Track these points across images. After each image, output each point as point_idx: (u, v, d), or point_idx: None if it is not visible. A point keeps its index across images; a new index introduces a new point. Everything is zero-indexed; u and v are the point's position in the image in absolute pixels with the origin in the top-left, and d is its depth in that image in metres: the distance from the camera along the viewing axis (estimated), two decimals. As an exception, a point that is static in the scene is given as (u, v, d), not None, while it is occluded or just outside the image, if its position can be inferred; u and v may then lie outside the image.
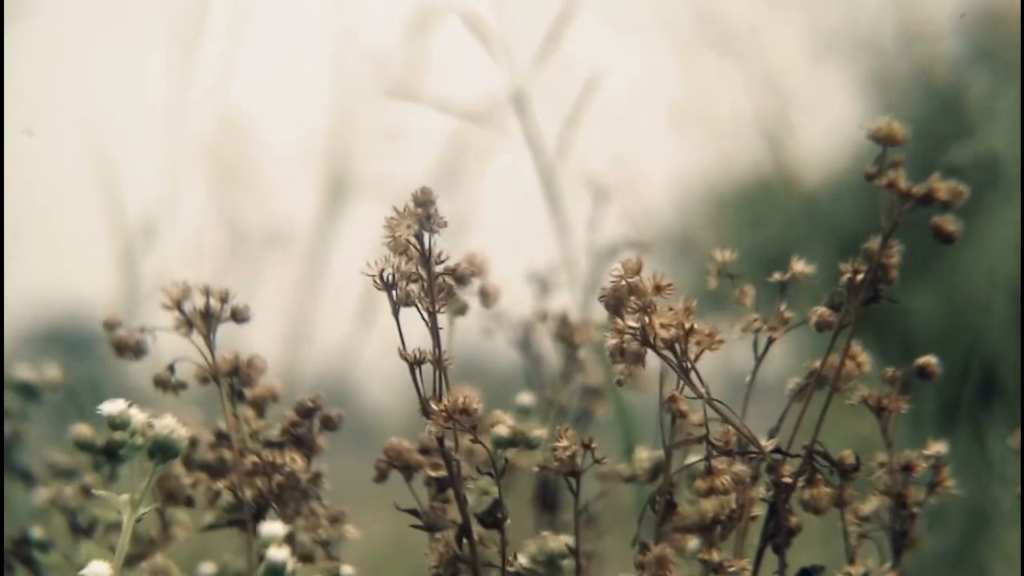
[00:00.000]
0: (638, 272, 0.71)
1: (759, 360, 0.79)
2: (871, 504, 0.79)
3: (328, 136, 1.82)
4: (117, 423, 0.69)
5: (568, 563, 0.78)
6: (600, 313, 1.08)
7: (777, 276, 0.79)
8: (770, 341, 0.79)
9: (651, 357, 0.72)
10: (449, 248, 0.74)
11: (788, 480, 0.76)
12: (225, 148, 1.83)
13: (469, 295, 0.88)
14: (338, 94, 1.81)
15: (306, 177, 1.83)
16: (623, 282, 0.71)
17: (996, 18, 2.09)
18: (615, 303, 0.71)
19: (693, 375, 0.72)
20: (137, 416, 0.69)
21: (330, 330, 1.78)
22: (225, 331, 0.81)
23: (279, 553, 0.69)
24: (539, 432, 0.80)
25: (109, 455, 0.90)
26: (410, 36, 1.63)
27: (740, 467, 0.74)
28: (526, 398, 0.98)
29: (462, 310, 0.89)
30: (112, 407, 0.69)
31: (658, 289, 0.71)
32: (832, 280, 0.77)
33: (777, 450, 0.76)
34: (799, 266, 0.79)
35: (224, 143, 1.82)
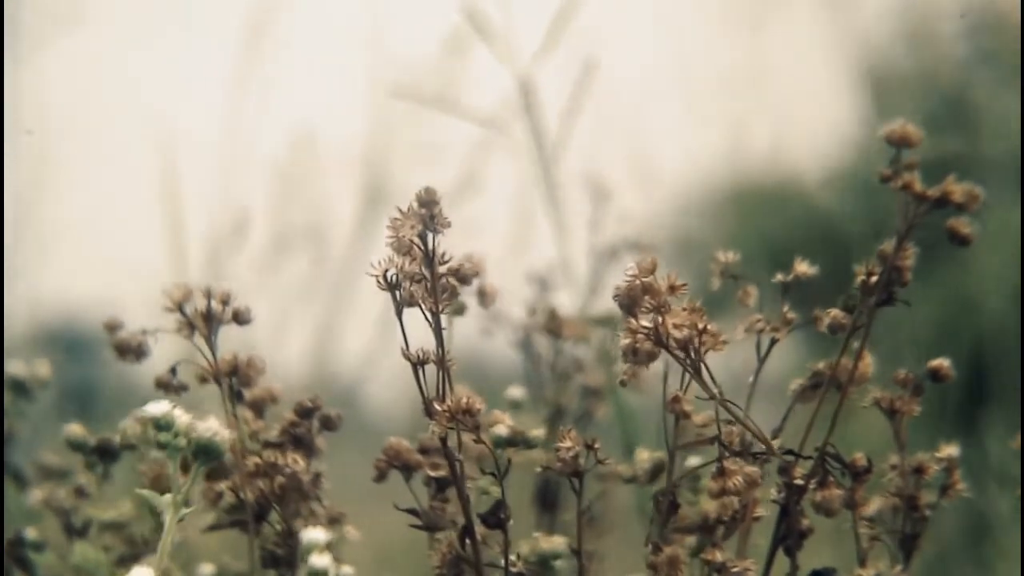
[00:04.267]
0: (652, 272, 0.71)
1: (762, 361, 0.79)
2: (877, 505, 0.79)
3: (365, 145, 1.83)
4: (161, 424, 0.68)
5: (561, 564, 0.78)
6: (599, 313, 1.09)
7: (780, 277, 0.79)
8: (773, 342, 0.79)
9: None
10: (463, 249, 0.74)
11: (800, 482, 0.76)
12: (281, 157, 1.84)
13: (467, 295, 0.88)
14: (374, 103, 1.82)
15: (344, 185, 1.84)
16: (637, 282, 0.71)
17: (998, 19, 2.09)
18: (629, 303, 0.71)
19: (705, 375, 0.72)
20: (181, 418, 0.69)
21: (358, 336, 1.78)
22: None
23: (321, 559, 0.69)
24: (537, 432, 0.80)
25: (102, 455, 0.89)
26: (445, 50, 1.63)
27: (751, 468, 0.73)
28: (516, 392, 0.98)
29: (460, 310, 0.89)
30: (157, 408, 0.69)
31: (672, 289, 0.71)
32: (832, 281, 0.77)
33: (789, 451, 0.76)
34: (802, 267, 0.79)
35: (277, 151, 1.83)
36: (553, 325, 1.00)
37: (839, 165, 2.25)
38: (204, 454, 0.69)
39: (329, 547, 0.80)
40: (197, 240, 1.62)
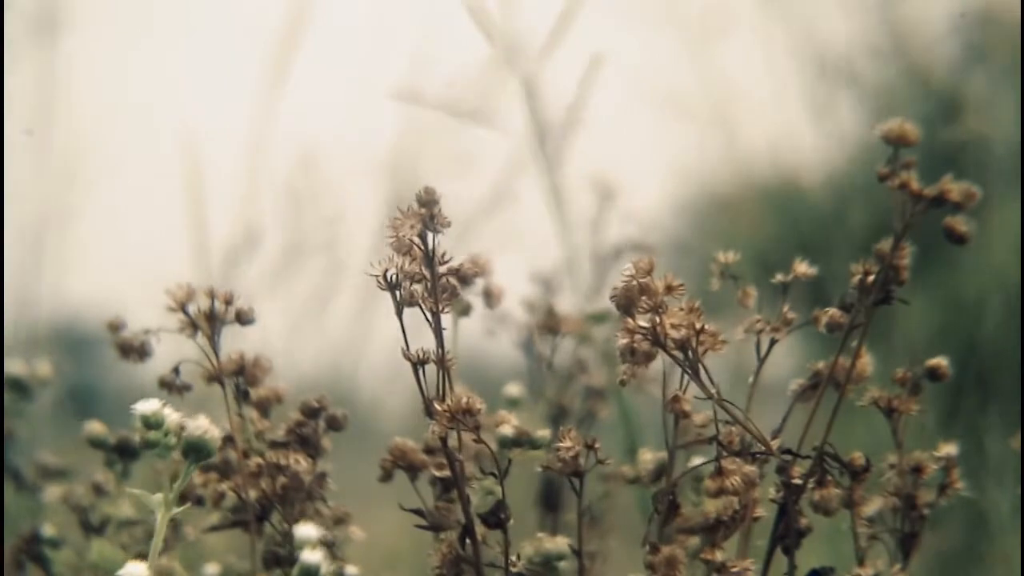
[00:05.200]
0: (649, 272, 0.71)
1: (762, 361, 0.79)
2: (876, 504, 0.79)
3: (392, 154, 1.83)
4: (151, 422, 0.68)
5: (565, 564, 0.78)
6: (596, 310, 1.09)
7: (780, 277, 0.79)
8: (772, 342, 0.79)
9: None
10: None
11: (798, 481, 0.76)
12: (293, 166, 1.83)
13: (473, 295, 0.88)
14: (404, 112, 1.81)
15: (370, 195, 1.84)
16: (634, 282, 0.71)
17: (995, 19, 2.09)
18: (626, 303, 0.71)
19: (703, 375, 0.72)
20: (171, 416, 0.69)
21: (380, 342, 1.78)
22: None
23: (313, 556, 0.69)
24: (543, 432, 0.80)
25: (122, 453, 0.90)
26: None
27: (749, 468, 0.74)
28: (514, 389, 0.99)
29: (466, 311, 0.89)
30: (146, 406, 0.69)
31: (669, 289, 0.71)
32: (832, 281, 0.77)
33: (787, 451, 0.76)
34: (801, 267, 0.79)
35: (291, 160, 1.83)
36: (552, 323, 1.01)
37: (839, 166, 2.25)
38: (194, 452, 0.69)
39: (327, 545, 0.80)
40: (216, 246, 1.62)
